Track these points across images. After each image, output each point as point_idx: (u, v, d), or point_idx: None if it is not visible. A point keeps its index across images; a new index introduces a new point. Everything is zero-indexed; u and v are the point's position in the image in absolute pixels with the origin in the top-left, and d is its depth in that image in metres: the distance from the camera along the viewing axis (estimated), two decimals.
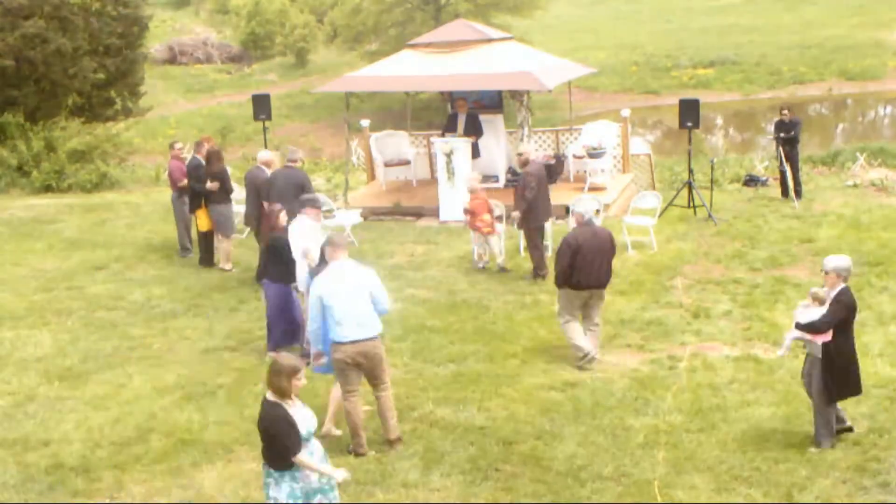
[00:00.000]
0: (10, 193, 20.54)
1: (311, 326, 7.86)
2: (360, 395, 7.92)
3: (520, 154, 13.00)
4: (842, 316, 7.50)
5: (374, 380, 7.91)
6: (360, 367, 7.78)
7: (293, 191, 12.09)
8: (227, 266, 13.58)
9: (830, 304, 7.53)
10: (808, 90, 38.94)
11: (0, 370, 10.10)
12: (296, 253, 9.76)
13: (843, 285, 7.56)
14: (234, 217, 13.90)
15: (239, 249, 14.38)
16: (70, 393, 9.43)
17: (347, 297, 7.64)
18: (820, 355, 7.60)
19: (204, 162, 13.62)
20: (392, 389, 8.14)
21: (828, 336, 7.50)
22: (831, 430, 7.78)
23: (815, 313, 7.56)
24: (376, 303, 7.75)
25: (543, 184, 12.71)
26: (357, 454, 7.89)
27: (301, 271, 9.66)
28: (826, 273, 7.61)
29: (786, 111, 16.85)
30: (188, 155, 14.75)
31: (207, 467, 7.80)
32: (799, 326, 7.62)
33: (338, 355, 7.74)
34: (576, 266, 9.56)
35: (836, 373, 7.59)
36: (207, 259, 13.78)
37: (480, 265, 13.20)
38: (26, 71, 22.04)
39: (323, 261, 8.17)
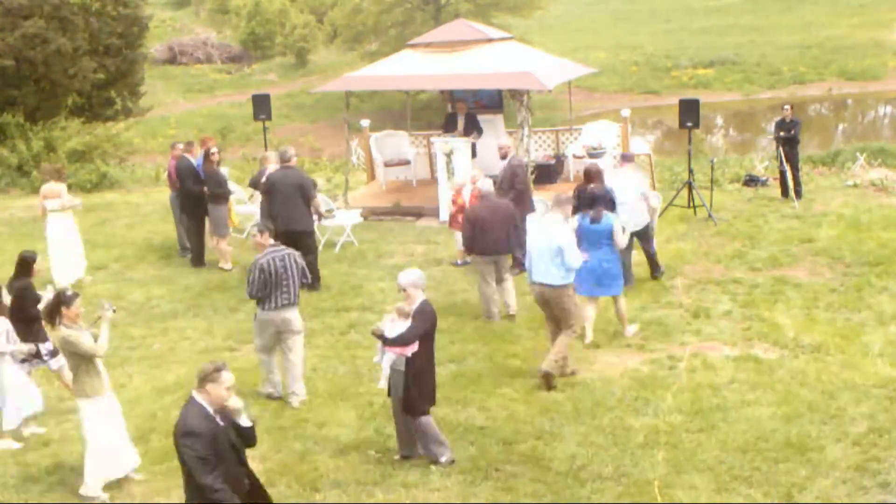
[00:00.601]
0: (10, 193, 20.54)
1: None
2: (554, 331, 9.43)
3: (501, 147, 13.15)
4: (426, 327, 7.52)
5: (557, 321, 9.35)
6: (543, 305, 9.37)
7: (296, 191, 12.09)
8: (227, 266, 13.59)
9: (413, 317, 7.53)
10: (808, 90, 38.95)
11: None
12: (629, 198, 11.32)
13: (422, 297, 7.60)
14: (227, 217, 13.94)
15: (238, 249, 14.38)
16: (70, 392, 9.42)
17: (540, 247, 9.21)
18: (404, 368, 7.57)
19: (200, 162, 13.72)
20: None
21: (414, 347, 7.48)
22: (440, 441, 7.70)
23: (402, 327, 7.56)
24: (564, 258, 9.07)
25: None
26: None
27: (641, 215, 11.19)
28: (404, 289, 7.63)
29: (787, 108, 16.85)
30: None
31: None
32: (388, 342, 7.56)
33: (532, 292, 9.55)
34: (475, 236, 10.88)
35: (422, 385, 7.56)
36: (199, 260, 13.89)
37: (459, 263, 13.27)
38: (26, 71, 22.06)
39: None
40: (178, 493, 7.42)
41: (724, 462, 7.57)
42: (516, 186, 12.56)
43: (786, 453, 7.66)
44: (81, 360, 7.40)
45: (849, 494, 7.08)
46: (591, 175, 11.45)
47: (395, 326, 7.63)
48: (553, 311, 9.34)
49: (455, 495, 7.27)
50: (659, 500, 7.08)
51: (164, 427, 8.51)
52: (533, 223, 10.07)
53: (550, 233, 9.21)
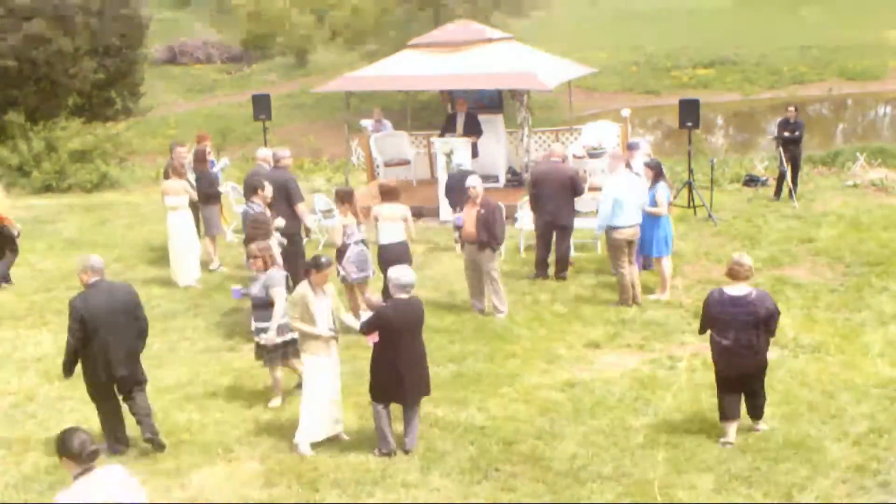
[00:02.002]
0: (11, 193, 20.47)
1: (602, 218, 11.39)
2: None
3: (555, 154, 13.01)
4: (378, 324, 7.72)
5: (631, 255, 11.36)
6: (629, 244, 11.28)
7: (279, 192, 11.87)
8: (215, 265, 13.62)
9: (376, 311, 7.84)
10: (808, 90, 38.93)
11: (0, 370, 10.10)
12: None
13: (400, 297, 7.78)
14: (218, 217, 13.96)
15: (240, 249, 14.37)
16: (70, 393, 9.42)
17: (629, 196, 11.20)
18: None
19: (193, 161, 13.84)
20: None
21: (375, 338, 7.75)
22: (381, 433, 7.86)
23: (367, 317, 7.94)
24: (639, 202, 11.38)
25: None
26: (623, 304, 11.36)
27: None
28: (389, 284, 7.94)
29: (792, 109, 16.89)
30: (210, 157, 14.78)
31: (207, 467, 7.80)
32: (360, 327, 7.97)
33: (618, 236, 11.25)
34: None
35: (374, 374, 7.86)
36: None
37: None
38: (27, 71, 22.05)
39: None
40: (179, 493, 7.45)
41: (724, 462, 7.57)
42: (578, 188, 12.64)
43: (786, 453, 7.66)
44: (308, 319, 7.92)
45: (849, 494, 7.08)
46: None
47: (364, 315, 8.05)
48: (632, 247, 11.36)
49: (455, 495, 7.27)
50: (659, 500, 7.08)
51: (164, 427, 8.52)
52: (617, 178, 11.50)
53: (633, 183, 11.37)
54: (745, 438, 7.93)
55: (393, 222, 10.69)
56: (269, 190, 11.16)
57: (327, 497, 7.32)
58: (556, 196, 12.31)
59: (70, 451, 5.16)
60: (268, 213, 11.02)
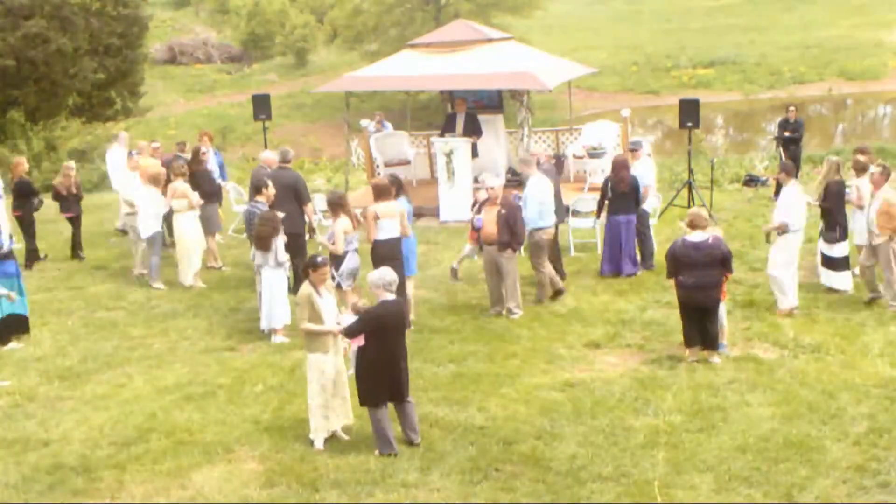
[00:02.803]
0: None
1: (531, 221, 11.34)
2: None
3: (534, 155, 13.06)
4: (369, 326, 7.74)
5: (554, 252, 12.01)
6: (552, 242, 11.79)
7: (286, 192, 11.91)
8: (217, 264, 13.62)
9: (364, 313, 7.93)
10: (808, 90, 38.96)
11: (0, 370, 10.11)
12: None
13: (385, 298, 7.82)
14: (218, 216, 13.96)
15: (240, 249, 14.39)
16: (70, 393, 9.43)
17: (550, 197, 11.57)
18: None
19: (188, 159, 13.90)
20: None
21: (361, 341, 7.78)
22: (383, 436, 7.86)
23: (353, 319, 7.99)
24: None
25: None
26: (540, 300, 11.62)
27: None
28: (370, 287, 8.02)
29: (792, 109, 16.94)
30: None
31: (207, 467, 7.80)
32: (343, 331, 7.97)
33: (545, 236, 11.53)
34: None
35: (362, 377, 7.84)
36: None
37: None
38: (27, 71, 22.08)
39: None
40: (179, 493, 7.45)
41: (724, 462, 7.57)
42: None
43: (786, 453, 7.66)
44: (316, 318, 8.06)
45: (849, 494, 7.07)
46: (619, 166, 12.59)
47: (348, 318, 8.03)
48: (553, 243, 11.81)
49: (455, 495, 7.26)
50: (659, 500, 7.08)
51: (164, 427, 8.53)
52: (536, 181, 11.56)
53: (549, 185, 11.63)
54: (746, 438, 7.93)
55: (391, 219, 10.70)
56: (272, 189, 11.24)
57: (327, 497, 7.31)
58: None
59: None
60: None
